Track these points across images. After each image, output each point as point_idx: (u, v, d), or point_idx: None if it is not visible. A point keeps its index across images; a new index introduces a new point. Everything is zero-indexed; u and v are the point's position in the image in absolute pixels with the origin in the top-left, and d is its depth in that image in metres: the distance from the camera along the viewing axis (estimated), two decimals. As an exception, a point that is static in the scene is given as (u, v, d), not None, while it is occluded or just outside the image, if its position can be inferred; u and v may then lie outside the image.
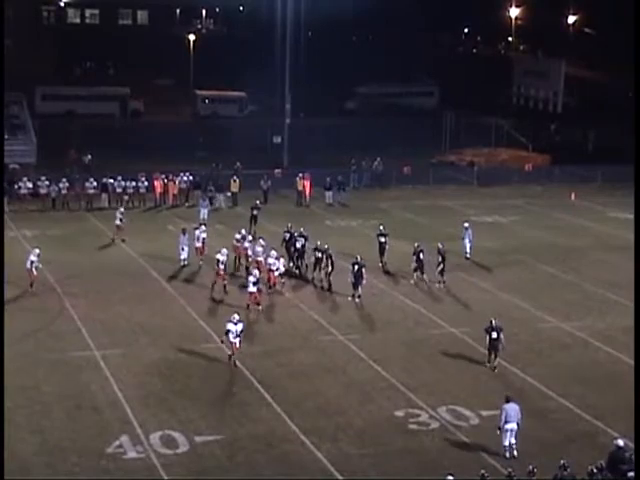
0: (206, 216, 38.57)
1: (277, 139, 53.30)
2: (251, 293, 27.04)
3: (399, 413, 20.76)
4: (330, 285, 29.40)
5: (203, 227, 32.65)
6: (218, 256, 28.52)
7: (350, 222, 39.23)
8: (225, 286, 28.39)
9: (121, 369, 22.66)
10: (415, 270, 30.55)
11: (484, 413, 20.75)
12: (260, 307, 27.09)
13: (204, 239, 31.90)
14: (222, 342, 22.73)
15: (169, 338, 24.95)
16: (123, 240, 34.63)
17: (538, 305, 28.53)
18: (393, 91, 72.03)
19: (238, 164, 46.33)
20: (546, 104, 74.29)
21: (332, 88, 69.77)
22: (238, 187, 42.81)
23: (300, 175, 43.90)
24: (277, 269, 28.67)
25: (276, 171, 47.13)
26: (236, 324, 22.74)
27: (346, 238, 34.29)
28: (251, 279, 27.10)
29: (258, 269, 28.71)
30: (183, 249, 31.74)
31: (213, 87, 67.83)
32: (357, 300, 28.36)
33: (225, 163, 46.43)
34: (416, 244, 31.02)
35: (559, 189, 47.09)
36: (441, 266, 30.24)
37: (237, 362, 23.02)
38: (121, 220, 34.99)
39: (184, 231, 32.02)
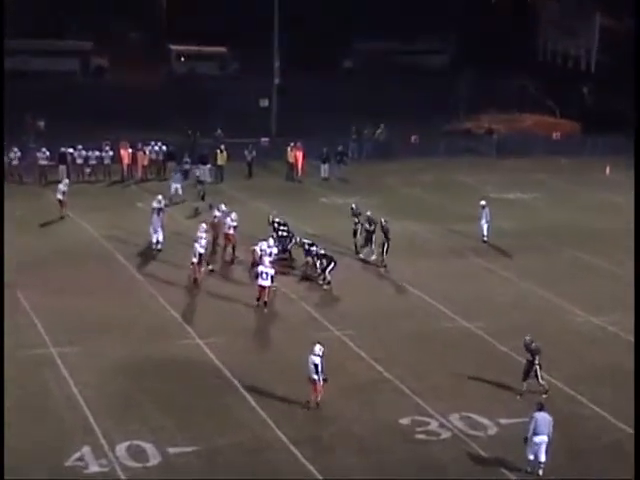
0: (180, 191, 38.56)
1: (264, 102, 53.11)
2: (262, 287, 26.76)
3: (405, 421, 20.83)
4: (383, 262, 30.48)
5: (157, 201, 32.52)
6: (197, 247, 28.43)
7: (349, 199, 39.16)
8: (196, 280, 28.37)
9: (82, 369, 22.68)
10: (363, 246, 31.45)
11: (503, 421, 20.83)
12: (265, 308, 26.90)
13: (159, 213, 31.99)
14: (315, 381, 21.06)
15: (138, 333, 24.97)
16: (62, 217, 34.77)
17: (565, 295, 28.63)
18: (398, 47, 71.87)
19: (219, 131, 46.25)
20: (577, 62, 74.21)
21: (328, 44, 69.55)
22: (225, 159, 42.77)
23: (291, 145, 43.86)
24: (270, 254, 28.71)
25: (263, 140, 47.04)
26: (322, 356, 21.14)
27: (344, 218, 34.27)
28: (264, 269, 26.68)
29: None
30: (156, 231, 31.74)
31: (190, 42, 67.62)
32: (384, 269, 30.19)
33: (203, 130, 46.34)
34: (383, 220, 31.30)
35: (591, 162, 47.13)
36: (386, 244, 30.55)
37: (220, 364, 23.06)
38: (64, 193, 34.98)
39: (158, 211, 31.98)
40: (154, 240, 31.75)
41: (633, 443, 19.79)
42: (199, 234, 29.23)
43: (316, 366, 20.77)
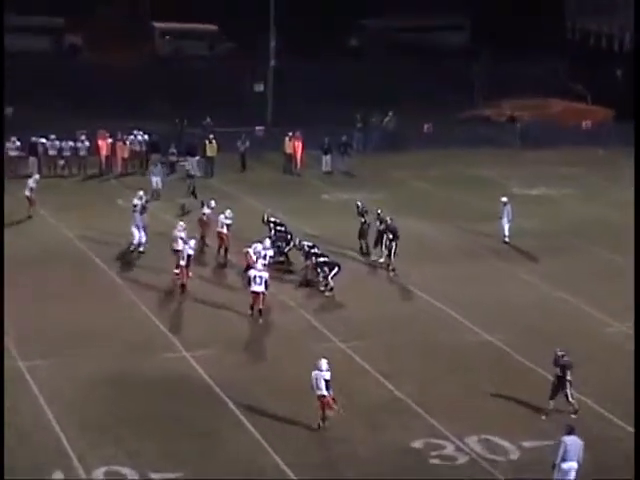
0: (160, 185, 38.68)
1: (259, 87, 53.26)
2: (256, 294, 26.83)
3: (417, 444, 20.88)
4: (390, 266, 30.69)
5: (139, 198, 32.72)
6: (186, 249, 28.52)
7: (354, 195, 39.24)
8: (184, 285, 28.46)
9: (54, 385, 22.76)
10: (374, 248, 31.76)
11: (527, 444, 20.89)
12: (260, 317, 26.96)
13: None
14: (323, 397, 21.15)
15: (118, 345, 25.05)
16: (30, 217, 34.88)
17: (595, 302, 28.69)
18: (410, 24, 71.85)
19: (208, 119, 46.37)
20: (611, 42, 74.23)
21: (331, 20, 69.58)
22: (215, 150, 42.88)
23: (289, 134, 43.98)
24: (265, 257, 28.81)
25: (257, 129, 47.15)
26: (322, 372, 21.15)
27: (349, 217, 34.37)
28: (258, 273, 26.76)
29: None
30: (139, 231, 31.82)
31: (176, 18, 67.68)
32: (392, 273, 30.41)
33: (191, 117, 46.42)
34: (388, 218, 31.37)
35: (625, 153, 47.15)
36: (394, 245, 30.72)
37: (210, 380, 23.15)
38: (32, 190, 35.10)
39: (141, 209, 32.06)
40: (135, 241, 31.85)
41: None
42: (176, 233, 29.34)
43: (327, 382, 20.83)
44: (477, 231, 35.27)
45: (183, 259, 28.24)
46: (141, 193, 33.43)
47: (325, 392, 20.85)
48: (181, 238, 29.18)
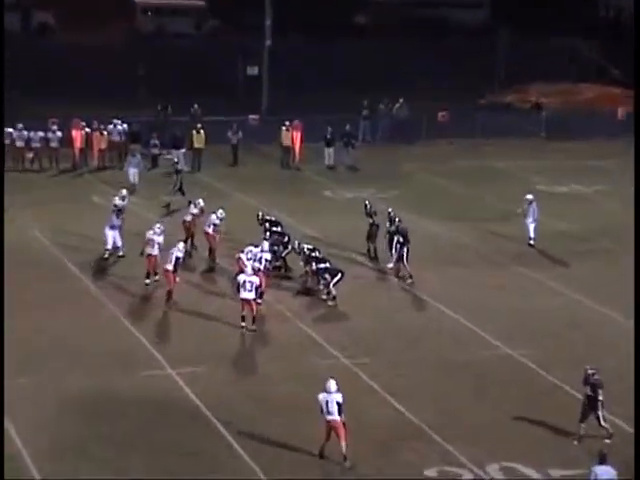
0: (137, 179, 38.76)
1: (252, 70, 53.43)
2: (246, 301, 26.94)
3: (431, 472, 20.90)
4: (400, 272, 30.73)
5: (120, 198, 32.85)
6: (174, 251, 28.56)
7: (359, 193, 39.33)
8: (170, 293, 28.53)
9: (23, 405, 22.73)
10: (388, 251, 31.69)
11: (555, 473, 20.92)
12: (253, 327, 27.10)
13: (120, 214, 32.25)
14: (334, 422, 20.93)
15: (94, 361, 25.06)
16: None
17: (630, 314, 28.52)
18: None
19: (195, 107, 46.46)
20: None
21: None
22: (203, 142, 42.92)
23: (287, 124, 44.03)
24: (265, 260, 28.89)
25: (251, 117, 47.22)
26: (333, 394, 21.03)
27: (353, 216, 34.43)
28: (247, 278, 26.87)
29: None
30: (114, 231, 31.88)
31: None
32: (408, 281, 30.41)
33: (176, 104, 46.44)
34: (397, 219, 31.48)
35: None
36: (405, 249, 30.74)
37: (197, 399, 23.17)
38: None
39: (118, 211, 32.11)
40: (109, 246, 31.89)
41: None
42: (151, 236, 29.31)
43: (340, 405, 20.75)
44: (498, 232, 35.32)
45: (170, 262, 28.26)
46: (124, 192, 33.46)
47: (338, 417, 20.79)
48: (157, 243, 29.17)
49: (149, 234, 29.56)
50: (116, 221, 31.92)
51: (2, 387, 22.40)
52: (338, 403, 20.77)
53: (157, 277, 29.57)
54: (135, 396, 23.48)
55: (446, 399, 23.87)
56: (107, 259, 31.77)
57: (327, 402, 20.78)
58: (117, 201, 32.67)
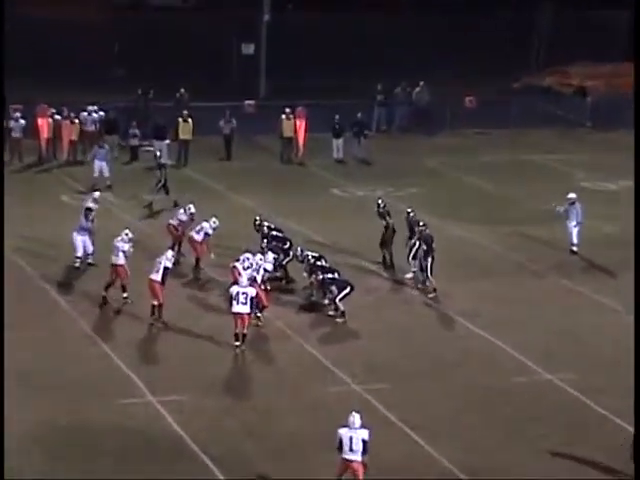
0: (106, 173, 38.80)
1: (248, 48, 53.45)
2: (239, 315, 26.99)
3: (457, 519, 21.00)
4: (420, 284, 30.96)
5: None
6: (162, 260, 28.53)
7: (373, 191, 39.35)
8: (156, 308, 28.54)
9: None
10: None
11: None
12: (241, 345, 27.21)
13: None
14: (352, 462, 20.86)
15: (63, 389, 25.03)
16: None
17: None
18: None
19: (182, 91, 46.50)
20: None
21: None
22: (190, 132, 42.95)
23: (287, 111, 44.06)
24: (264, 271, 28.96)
25: (247, 103, 47.24)
26: (358, 429, 20.93)
27: (366, 219, 34.42)
28: (241, 290, 26.96)
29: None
30: (82, 234, 31.90)
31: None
32: (431, 295, 30.37)
33: (159, 88, 46.48)
34: (422, 223, 31.37)
35: None
36: (429, 260, 30.71)
37: (183, 432, 23.21)
38: None
39: (87, 213, 32.11)
40: (79, 253, 31.93)
41: None
42: (115, 243, 29.35)
43: (365, 443, 20.68)
44: (536, 238, 35.33)
45: (157, 272, 28.25)
46: (97, 195, 33.47)
47: (361, 457, 20.70)
48: (122, 251, 29.23)
49: (115, 240, 29.54)
50: (85, 223, 31.92)
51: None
52: (364, 441, 20.66)
53: (125, 294, 29.58)
54: (110, 429, 23.43)
55: (475, 432, 23.83)
56: (78, 268, 31.78)
57: (351, 438, 20.68)
58: (89, 204, 32.71)
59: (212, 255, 31.50)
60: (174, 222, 32.43)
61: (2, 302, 28.26)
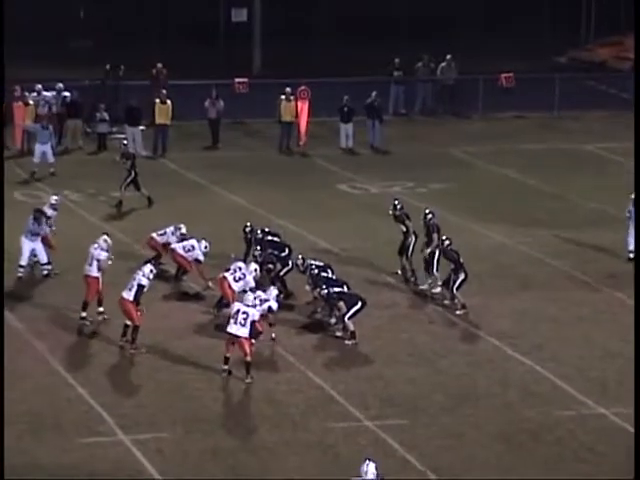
0: (51, 158, 39.36)
1: (239, 14, 53.55)
2: (235, 338, 27.05)
3: None
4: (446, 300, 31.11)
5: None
6: (138, 278, 28.57)
7: (389, 187, 39.42)
8: (129, 329, 28.60)
9: None
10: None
11: None
12: (248, 379, 27.34)
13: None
14: None
15: (20, 426, 25.05)
16: None
17: None
18: None
19: (159, 66, 46.54)
20: None
21: None
22: (169, 115, 43.11)
23: (287, 90, 44.13)
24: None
25: (237, 81, 47.31)
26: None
27: (381, 221, 34.46)
28: (243, 308, 27.07)
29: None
30: (33, 239, 32.09)
31: None
32: (460, 312, 30.69)
33: (131, 63, 46.56)
34: (445, 238, 31.44)
35: None
36: (461, 276, 30.85)
37: (160, 476, 23.26)
38: None
39: (37, 215, 32.22)
40: (23, 261, 32.15)
41: None
42: (91, 251, 29.53)
43: None
44: (584, 242, 35.39)
45: (130, 290, 28.32)
46: (55, 198, 33.49)
47: None
48: (97, 260, 29.35)
49: (91, 247, 29.63)
50: (35, 227, 31.97)
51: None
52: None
53: (101, 309, 29.70)
54: (71, 473, 23.43)
55: (514, 477, 23.86)
56: (20, 278, 31.98)
57: None
58: (47, 210, 32.97)
59: (210, 284, 31.41)
60: (159, 240, 32.30)
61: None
